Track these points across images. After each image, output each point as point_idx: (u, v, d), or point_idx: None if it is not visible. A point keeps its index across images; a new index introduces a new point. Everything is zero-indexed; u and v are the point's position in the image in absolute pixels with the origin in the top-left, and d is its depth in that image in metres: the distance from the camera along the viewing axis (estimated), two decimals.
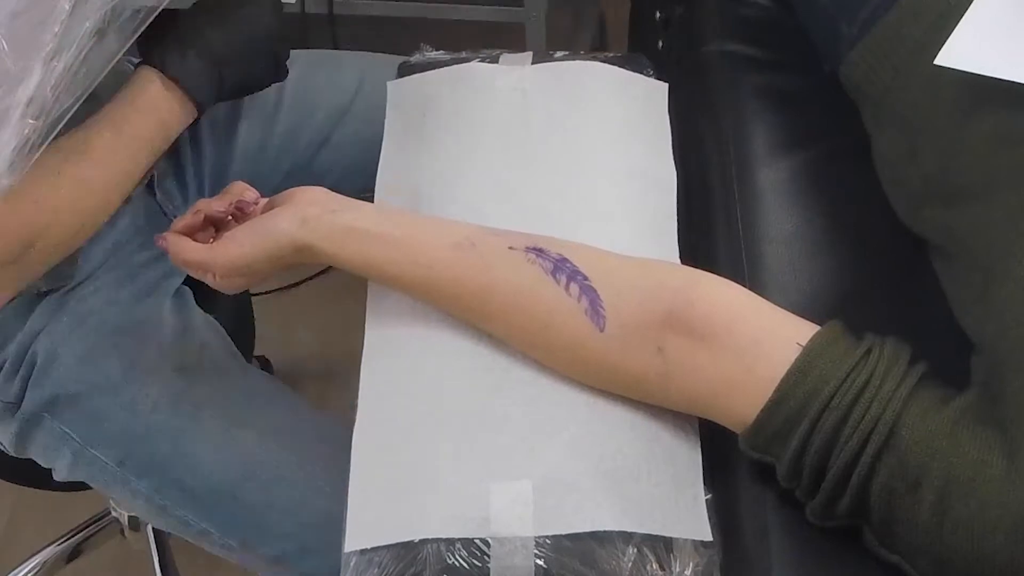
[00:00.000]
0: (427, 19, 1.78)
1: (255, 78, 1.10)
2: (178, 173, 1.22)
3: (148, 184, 1.18)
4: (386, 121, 1.10)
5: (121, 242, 1.15)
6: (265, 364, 1.92)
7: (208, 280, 0.92)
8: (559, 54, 1.14)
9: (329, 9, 1.81)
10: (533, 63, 1.12)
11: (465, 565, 0.76)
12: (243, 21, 1.05)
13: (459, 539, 0.77)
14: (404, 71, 1.15)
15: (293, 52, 1.36)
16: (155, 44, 1.01)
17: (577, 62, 1.12)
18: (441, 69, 1.13)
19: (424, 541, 0.77)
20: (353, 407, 0.87)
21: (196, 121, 1.07)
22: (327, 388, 1.98)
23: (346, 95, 1.28)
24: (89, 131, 0.97)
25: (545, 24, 1.80)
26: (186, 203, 1.23)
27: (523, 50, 1.14)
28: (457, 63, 1.13)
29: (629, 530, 0.76)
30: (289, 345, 2.03)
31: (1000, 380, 0.69)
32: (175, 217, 1.18)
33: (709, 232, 1.00)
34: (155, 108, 1.00)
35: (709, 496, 0.81)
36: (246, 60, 1.06)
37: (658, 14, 1.32)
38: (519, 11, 1.78)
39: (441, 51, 1.17)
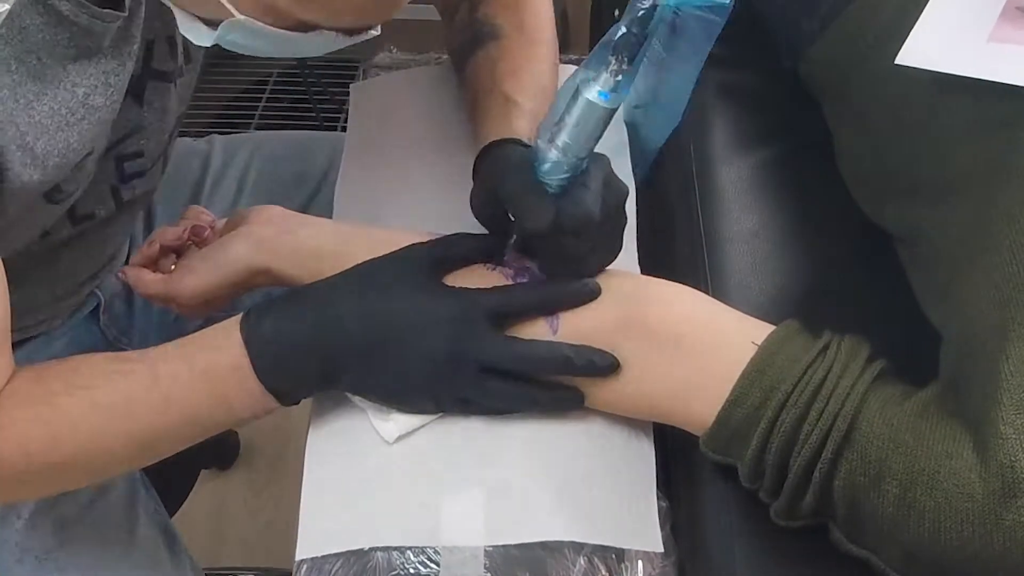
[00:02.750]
0: (391, 26, 1.77)
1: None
2: (128, 292, 1.17)
3: (94, 309, 1.12)
4: (348, 125, 1.09)
5: None
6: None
7: (172, 309, 0.91)
8: None
9: None
10: None
11: (415, 573, 0.75)
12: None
13: (409, 547, 0.76)
14: (368, 72, 1.14)
15: (256, 136, 1.33)
16: (256, 310, 0.80)
17: None
18: (404, 71, 1.12)
19: (374, 549, 0.76)
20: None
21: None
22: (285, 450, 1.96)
23: (311, 183, 1.24)
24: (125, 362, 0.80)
25: None
26: (132, 328, 1.18)
27: None
28: (422, 64, 1.12)
29: (579, 540, 0.76)
30: None
31: (965, 374, 0.68)
32: (119, 344, 1.16)
33: (669, 231, 0.99)
34: (224, 391, 0.79)
35: (664, 505, 0.80)
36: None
37: (616, 12, 1.31)
38: None
39: (407, 52, 1.16)
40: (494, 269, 0.83)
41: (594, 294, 0.79)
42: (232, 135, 1.32)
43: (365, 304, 0.78)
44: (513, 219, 0.79)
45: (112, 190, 0.92)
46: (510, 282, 0.81)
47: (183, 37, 0.89)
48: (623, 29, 0.69)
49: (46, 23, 0.74)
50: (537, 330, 0.79)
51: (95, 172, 0.87)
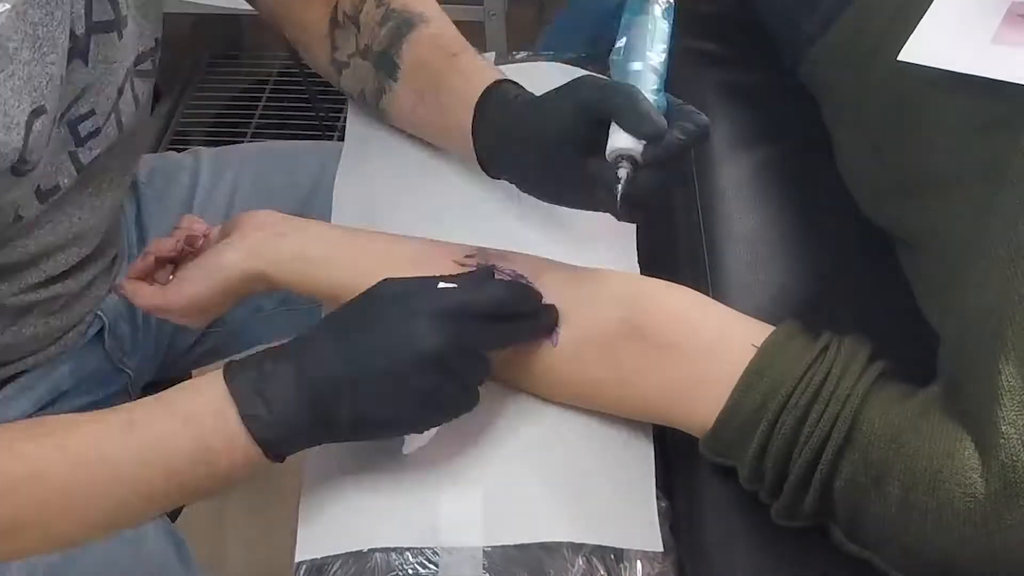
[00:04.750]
0: None
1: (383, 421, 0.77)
2: (131, 312, 1.15)
3: (99, 331, 1.10)
4: (347, 124, 1.09)
5: (60, 392, 1.07)
6: None
7: (172, 320, 0.91)
8: (520, 55, 1.14)
9: None
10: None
11: (414, 574, 0.75)
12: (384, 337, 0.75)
13: (408, 548, 0.76)
14: None
15: (244, 150, 1.31)
16: (240, 361, 0.76)
17: (538, 63, 1.12)
18: None
19: (373, 550, 0.76)
20: None
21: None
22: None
23: (301, 195, 1.22)
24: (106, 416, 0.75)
25: (506, 22, 1.80)
26: (135, 348, 1.16)
27: (485, 48, 1.13)
28: None
29: (578, 540, 0.76)
30: None
31: (966, 374, 0.68)
32: (122, 366, 1.14)
33: (670, 231, 0.98)
34: (204, 433, 0.74)
35: (664, 504, 0.80)
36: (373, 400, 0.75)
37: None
38: (478, 9, 1.78)
39: None
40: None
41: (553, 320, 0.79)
42: (219, 148, 1.31)
43: (345, 342, 0.75)
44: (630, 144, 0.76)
45: (71, 156, 0.90)
46: None
47: None
48: None
49: None
50: (535, 343, 0.80)
51: (53, 141, 0.85)
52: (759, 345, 0.73)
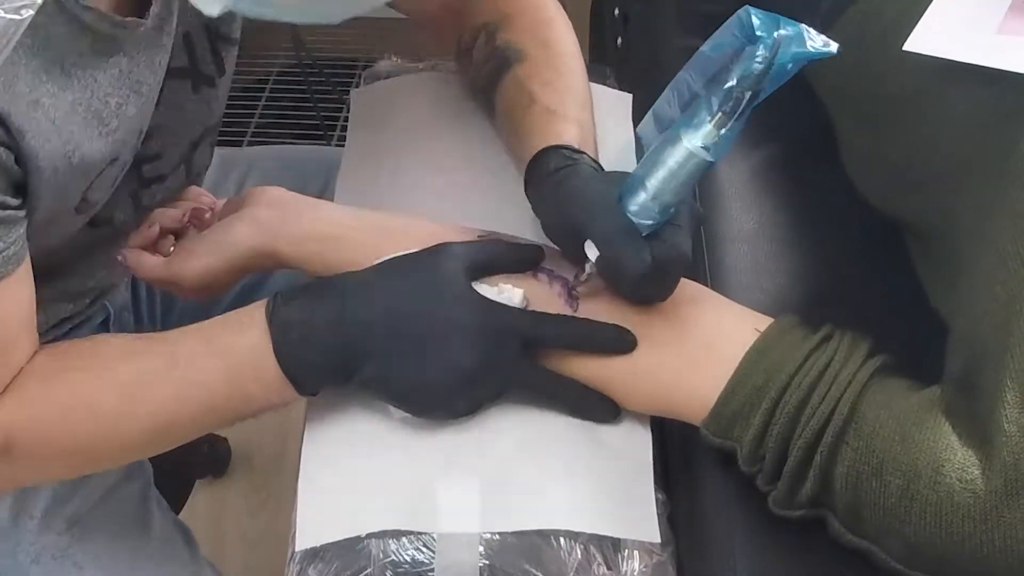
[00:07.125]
0: (391, 26, 1.77)
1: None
2: (135, 301, 1.16)
3: (103, 321, 1.11)
4: (348, 130, 1.09)
5: None
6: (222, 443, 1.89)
7: (175, 293, 0.90)
8: None
9: None
10: None
11: (410, 560, 0.75)
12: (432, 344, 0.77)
13: (405, 534, 0.76)
14: (368, 79, 1.14)
15: (251, 152, 1.31)
16: (284, 295, 0.78)
17: None
18: (403, 77, 1.12)
19: (370, 536, 0.76)
20: None
21: None
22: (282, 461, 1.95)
23: None
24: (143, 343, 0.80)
25: None
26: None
27: None
28: (421, 71, 1.12)
29: (576, 529, 0.75)
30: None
31: (971, 370, 0.68)
32: None
33: None
34: (242, 374, 0.78)
35: (662, 497, 0.80)
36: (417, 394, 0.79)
37: (616, 11, 1.31)
38: None
39: (406, 59, 1.15)
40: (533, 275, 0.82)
41: (631, 347, 0.77)
42: (226, 150, 1.30)
43: (393, 304, 0.77)
44: (593, 256, 0.76)
45: (132, 195, 0.91)
46: (546, 288, 0.80)
47: (222, 47, 0.88)
48: (733, 81, 0.67)
49: (69, 32, 0.73)
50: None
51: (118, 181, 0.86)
52: (762, 330, 0.74)
